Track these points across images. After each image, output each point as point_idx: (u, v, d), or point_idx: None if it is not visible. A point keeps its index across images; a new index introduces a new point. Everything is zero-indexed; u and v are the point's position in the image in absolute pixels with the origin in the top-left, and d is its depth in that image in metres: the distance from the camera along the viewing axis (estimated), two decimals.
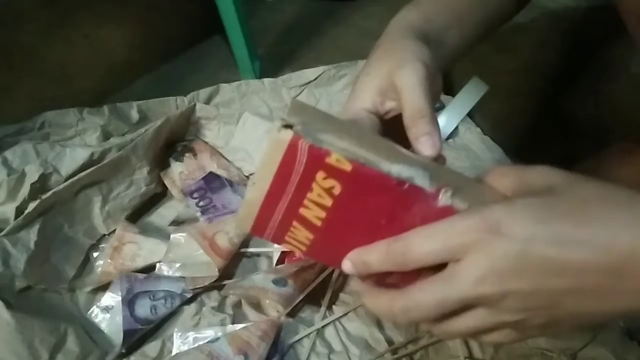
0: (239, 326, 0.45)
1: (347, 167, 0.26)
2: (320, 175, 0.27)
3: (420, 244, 0.25)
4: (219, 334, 0.45)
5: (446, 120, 0.33)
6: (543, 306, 0.24)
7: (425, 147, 0.30)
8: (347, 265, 0.29)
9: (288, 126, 0.25)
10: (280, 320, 0.46)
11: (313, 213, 0.28)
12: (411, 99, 0.31)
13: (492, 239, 0.23)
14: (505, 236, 0.23)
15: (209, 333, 0.46)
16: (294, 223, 0.29)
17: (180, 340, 0.46)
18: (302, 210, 0.28)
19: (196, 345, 0.44)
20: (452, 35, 0.40)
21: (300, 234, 0.30)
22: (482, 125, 0.63)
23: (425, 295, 0.25)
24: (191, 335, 0.46)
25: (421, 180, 0.26)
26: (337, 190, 0.27)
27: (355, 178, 0.26)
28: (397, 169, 0.26)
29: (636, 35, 0.39)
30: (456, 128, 0.62)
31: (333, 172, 0.26)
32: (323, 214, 0.28)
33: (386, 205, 0.27)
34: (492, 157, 0.59)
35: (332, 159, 0.26)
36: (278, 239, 0.31)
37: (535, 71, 0.67)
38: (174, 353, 0.45)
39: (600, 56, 0.72)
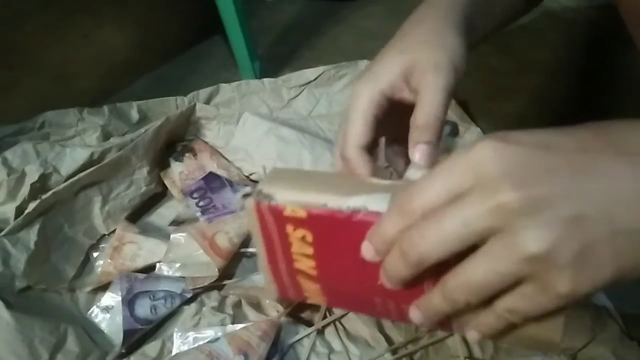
0: (239, 326, 0.45)
1: (303, 214, 0.27)
2: (289, 228, 0.28)
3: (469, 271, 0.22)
4: (219, 334, 0.45)
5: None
6: (572, 218, 0.20)
7: (419, 154, 0.30)
8: (416, 316, 0.26)
9: (247, 195, 0.28)
10: (280, 320, 0.46)
11: (305, 264, 0.29)
12: (429, 105, 0.30)
13: (504, 145, 0.21)
14: (515, 142, 0.21)
15: (209, 333, 0.46)
16: (298, 278, 0.30)
17: (180, 340, 0.46)
18: (296, 265, 0.30)
19: (196, 345, 0.44)
20: (482, 22, 0.38)
21: (310, 287, 0.30)
22: (482, 126, 0.63)
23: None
24: (191, 335, 0.46)
25: (377, 204, 0.26)
26: (309, 237, 0.28)
27: (315, 222, 0.27)
28: (350, 202, 0.26)
29: (636, 35, 0.39)
30: (456, 128, 0.62)
31: (295, 222, 0.27)
32: (312, 263, 0.29)
33: (354, 238, 0.27)
34: None
35: (288, 211, 0.27)
36: (301, 296, 0.31)
37: (536, 71, 0.67)
38: (174, 353, 0.45)
39: (601, 56, 0.72)
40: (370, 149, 0.32)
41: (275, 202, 0.27)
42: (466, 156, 0.22)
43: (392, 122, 0.33)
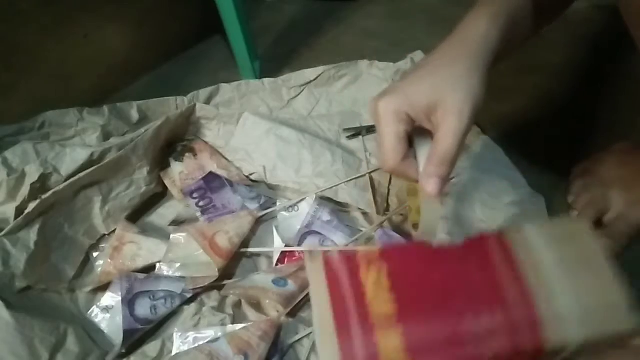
0: (238, 326, 0.45)
1: (375, 252, 0.29)
2: (362, 271, 0.29)
3: None
4: (219, 334, 0.45)
5: None
6: None
7: (430, 186, 0.33)
8: None
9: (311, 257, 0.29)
10: (280, 320, 0.46)
11: (382, 307, 0.28)
12: (447, 146, 0.33)
13: None
14: None
15: (209, 333, 0.46)
16: (376, 335, 0.27)
17: (180, 340, 0.46)
18: (372, 316, 0.28)
19: (196, 345, 0.44)
20: (503, 53, 0.41)
21: (389, 343, 0.27)
22: (482, 126, 0.63)
23: None
24: (191, 335, 0.46)
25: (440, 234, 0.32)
26: (384, 272, 0.29)
27: (390, 252, 0.30)
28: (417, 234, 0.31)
29: (636, 35, 0.39)
30: None
31: (369, 260, 0.29)
32: (390, 296, 0.28)
33: (430, 262, 0.29)
34: (492, 157, 0.59)
35: (360, 253, 0.29)
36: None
37: (536, 71, 0.67)
38: (173, 353, 0.45)
39: (601, 56, 0.72)
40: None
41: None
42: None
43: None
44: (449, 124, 0.33)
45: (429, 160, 0.34)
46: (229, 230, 0.49)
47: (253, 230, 0.54)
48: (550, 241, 0.29)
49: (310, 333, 0.46)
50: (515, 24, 0.40)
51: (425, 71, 0.36)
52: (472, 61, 0.36)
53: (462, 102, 0.33)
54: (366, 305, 0.28)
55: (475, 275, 0.29)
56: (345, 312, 0.28)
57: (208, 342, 0.44)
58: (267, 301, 0.47)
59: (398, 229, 0.54)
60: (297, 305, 0.48)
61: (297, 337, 0.46)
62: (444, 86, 0.34)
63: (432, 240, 0.30)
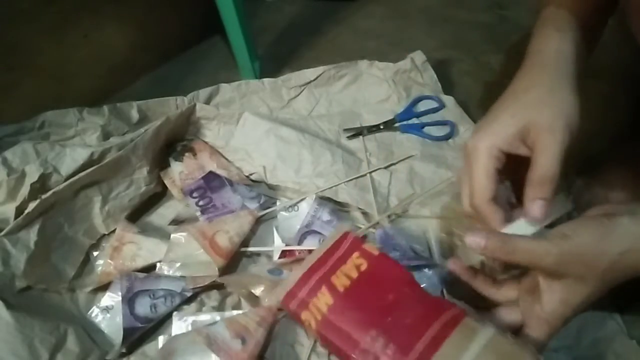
0: (237, 312, 0.46)
1: (375, 251, 0.42)
2: (355, 255, 0.42)
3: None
4: (217, 318, 0.45)
5: (519, 227, 0.36)
6: None
7: (536, 210, 0.34)
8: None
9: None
10: (277, 307, 0.45)
11: (341, 281, 0.40)
12: (546, 165, 0.33)
13: None
14: None
15: (207, 317, 0.46)
16: (323, 288, 0.40)
17: (179, 323, 0.46)
18: (332, 278, 0.41)
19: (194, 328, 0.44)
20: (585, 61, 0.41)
21: (323, 300, 0.39)
22: None
23: None
24: (190, 318, 0.46)
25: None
26: (363, 267, 0.41)
27: (379, 258, 0.41)
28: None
29: (637, 31, 0.39)
30: (456, 128, 0.62)
31: (365, 253, 0.42)
32: (348, 282, 0.40)
33: (394, 280, 0.40)
34: None
35: (366, 245, 0.42)
36: (301, 307, 0.40)
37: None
38: (172, 335, 0.45)
39: (602, 55, 0.72)
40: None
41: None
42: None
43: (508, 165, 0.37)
44: (542, 142, 0.33)
45: (528, 183, 0.34)
46: (229, 230, 0.49)
47: (253, 230, 0.54)
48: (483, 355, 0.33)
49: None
50: (584, 36, 0.40)
51: (508, 101, 0.37)
52: (556, 81, 0.36)
53: (551, 119, 0.34)
54: (334, 272, 0.41)
55: (408, 315, 0.37)
56: (320, 266, 0.42)
57: (206, 325, 0.44)
58: (262, 288, 0.46)
59: (397, 228, 0.54)
60: None
61: (297, 337, 0.46)
62: (530, 108, 0.35)
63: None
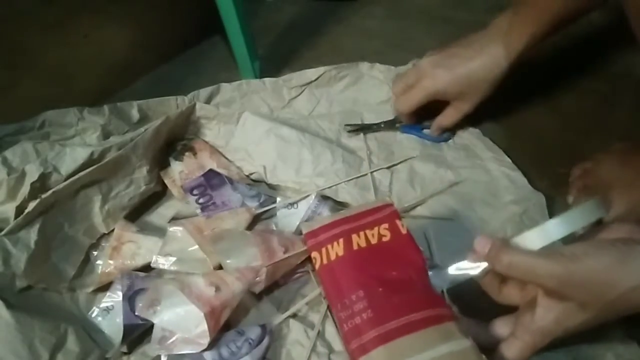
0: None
1: (404, 230, 0.44)
2: (384, 225, 0.44)
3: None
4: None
5: (550, 231, 0.35)
6: None
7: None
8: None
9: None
10: (259, 266, 0.45)
11: (358, 241, 0.42)
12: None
13: None
14: None
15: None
16: (340, 240, 0.42)
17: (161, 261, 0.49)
18: (354, 236, 0.43)
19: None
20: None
21: (335, 249, 0.42)
22: (482, 126, 0.63)
23: None
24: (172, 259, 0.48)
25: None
26: (386, 238, 0.43)
27: (404, 237, 0.43)
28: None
29: (638, 32, 0.39)
30: (455, 130, 0.62)
31: (394, 227, 0.44)
32: (364, 244, 0.42)
33: (406, 261, 0.42)
34: (492, 157, 0.59)
35: (399, 222, 0.44)
36: (316, 247, 0.43)
37: (536, 71, 0.67)
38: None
39: (601, 55, 0.72)
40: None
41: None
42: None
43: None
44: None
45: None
46: (226, 227, 0.49)
47: (252, 228, 0.54)
48: None
49: (310, 333, 0.46)
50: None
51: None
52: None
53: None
54: (357, 232, 0.43)
55: (400, 295, 0.39)
56: (350, 221, 0.44)
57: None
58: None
59: None
60: (297, 305, 0.47)
61: (296, 337, 0.46)
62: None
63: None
